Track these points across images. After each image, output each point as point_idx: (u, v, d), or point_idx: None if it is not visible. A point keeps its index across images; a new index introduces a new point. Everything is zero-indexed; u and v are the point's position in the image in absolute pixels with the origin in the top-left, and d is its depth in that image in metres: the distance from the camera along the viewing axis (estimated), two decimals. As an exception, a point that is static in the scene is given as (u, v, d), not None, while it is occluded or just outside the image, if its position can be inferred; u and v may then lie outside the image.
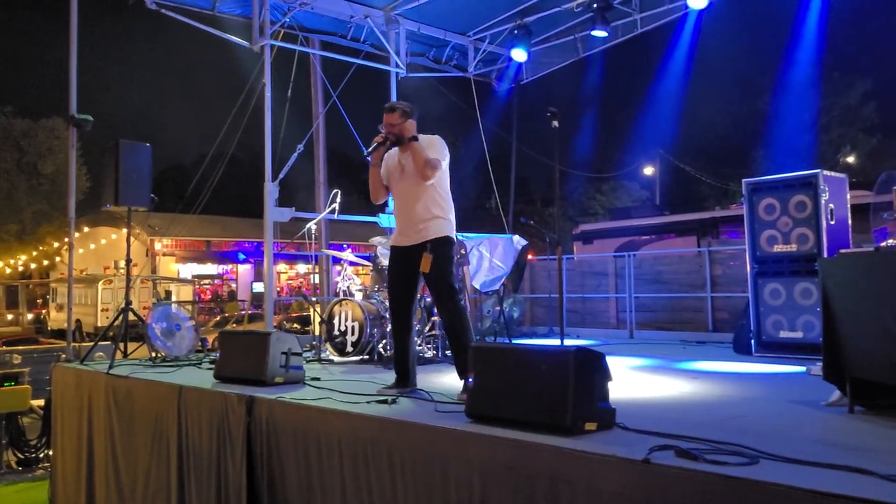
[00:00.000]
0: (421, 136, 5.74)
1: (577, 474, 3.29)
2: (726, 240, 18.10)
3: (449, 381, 6.10)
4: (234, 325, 25.68)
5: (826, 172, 7.38)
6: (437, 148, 5.72)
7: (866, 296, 4.13)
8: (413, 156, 5.66)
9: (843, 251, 5.64)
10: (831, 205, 7.31)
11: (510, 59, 12.95)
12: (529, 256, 14.32)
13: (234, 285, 42.11)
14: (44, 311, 38.38)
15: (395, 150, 5.89)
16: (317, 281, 13.81)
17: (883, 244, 5.42)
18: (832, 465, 2.93)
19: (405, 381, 5.67)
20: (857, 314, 4.20)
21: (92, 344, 8.81)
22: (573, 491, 3.29)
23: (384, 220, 11.91)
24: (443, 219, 5.75)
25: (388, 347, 7.80)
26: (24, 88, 67.10)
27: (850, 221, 7.55)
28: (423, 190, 5.71)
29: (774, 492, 2.70)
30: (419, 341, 7.89)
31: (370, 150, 5.80)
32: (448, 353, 7.78)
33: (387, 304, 7.96)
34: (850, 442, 3.65)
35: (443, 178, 5.79)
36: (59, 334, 24.58)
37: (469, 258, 9.51)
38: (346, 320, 8.14)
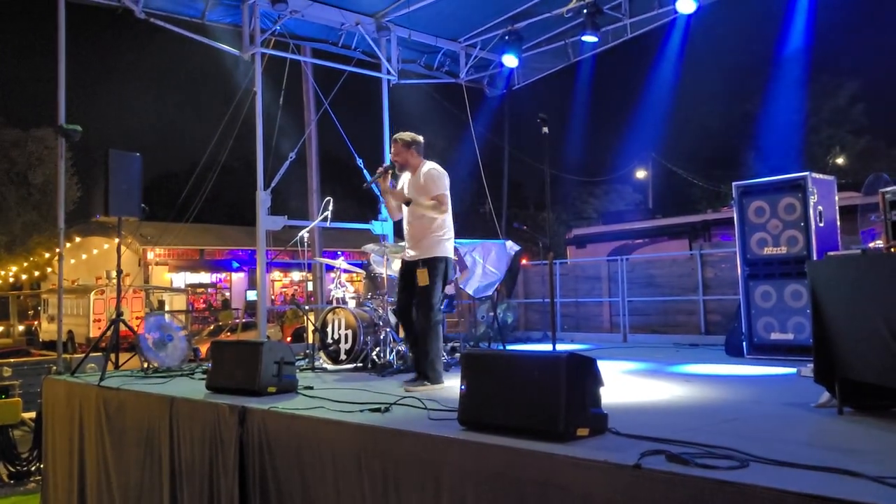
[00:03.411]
0: (425, 165, 6.58)
1: (570, 480, 3.30)
2: (718, 242, 18.14)
3: (443, 388, 6.11)
4: (229, 333, 25.63)
5: (815, 175, 7.41)
6: (437, 181, 6.47)
7: (854, 297, 4.14)
8: (420, 209, 6.44)
9: (830, 254, 5.67)
10: (820, 207, 7.32)
11: (501, 64, 12.97)
12: (523, 261, 14.34)
13: (227, 294, 41.97)
14: (35, 323, 38.24)
15: (407, 173, 6.72)
16: (310, 289, 13.80)
17: (871, 244, 5.45)
18: (821, 468, 2.93)
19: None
20: (845, 316, 4.21)
21: (83, 356, 8.77)
22: (565, 497, 3.29)
23: (377, 226, 11.92)
24: (436, 240, 6.47)
25: (382, 355, 7.80)
26: (13, 98, 66.88)
27: (838, 223, 7.57)
28: (424, 214, 6.47)
29: (764, 495, 2.70)
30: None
31: (373, 177, 6.68)
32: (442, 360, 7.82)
33: (380, 311, 8.00)
34: (840, 444, 3.67)
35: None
36: (51, 345, 24.52)
37: (464, 263, 9.51)
38: (340, 328, 8.12)
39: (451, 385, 5.96)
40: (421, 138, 6.68)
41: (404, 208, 6.68)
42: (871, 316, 3.92)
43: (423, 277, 6.35)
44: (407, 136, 6.64)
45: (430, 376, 6.24)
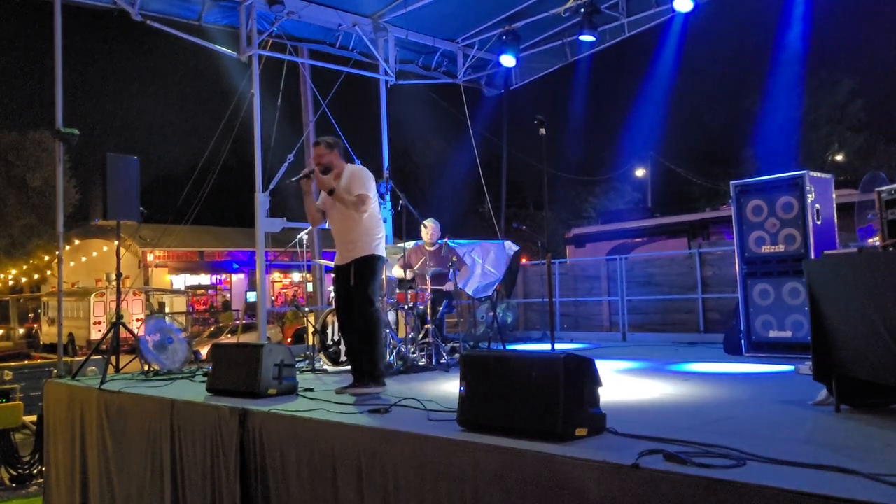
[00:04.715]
0: (348, 167, 6.45)
1: (568, 480, 3.31)
2: (717, 240, 18.15)
3: (443, 389, 6.13)
4: (229, 335, 25.64)
5: (812, 173, 7.43)
6: (360, 181, 6.34)
7: (851, 295, 4.15)
8: (341, 203, 6.29)
9: (827, 252, 5.68)
10: (817, 205, 7.35)
11: (499, 64, 12.94)
12: (522, 261, 14.35)
13: (228, 295, 41.99)
14: (36, 326, 38.26)
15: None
16: (310, 290, 13.79)
17: (869, 241, 5.46)
18: (818, 466, 2.95)
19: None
20: (843, 314, 4.23)
21: (84, 359, 8.78)
22: (564, 497, 3.31)
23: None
24: (367, 240, 6.38)
25: (382, 356, 7.80)
26: (10, 101, 66.95)
27: (836, 221, 7.60)
28: (350, 216, 6.35)
29: (761, 493, 2.72)
30: (412, 349, 7.90)
31: (294, 178, 6.48)
32: (441, 361, 7.83)
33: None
34: (837, 441, 3.68)
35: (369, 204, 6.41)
36: (52, 348, 24.55)
37: (463, 262, 9.51)
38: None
39: (451, 386, 5.97)
40: (342, 142, 6.63)
41: (330, 213, 6.56)
42: (868, 314, 3.94)
43: (352, 277, 6.26)
44: (329, 137, 6.57)
45: (374, 377, 6.09)
